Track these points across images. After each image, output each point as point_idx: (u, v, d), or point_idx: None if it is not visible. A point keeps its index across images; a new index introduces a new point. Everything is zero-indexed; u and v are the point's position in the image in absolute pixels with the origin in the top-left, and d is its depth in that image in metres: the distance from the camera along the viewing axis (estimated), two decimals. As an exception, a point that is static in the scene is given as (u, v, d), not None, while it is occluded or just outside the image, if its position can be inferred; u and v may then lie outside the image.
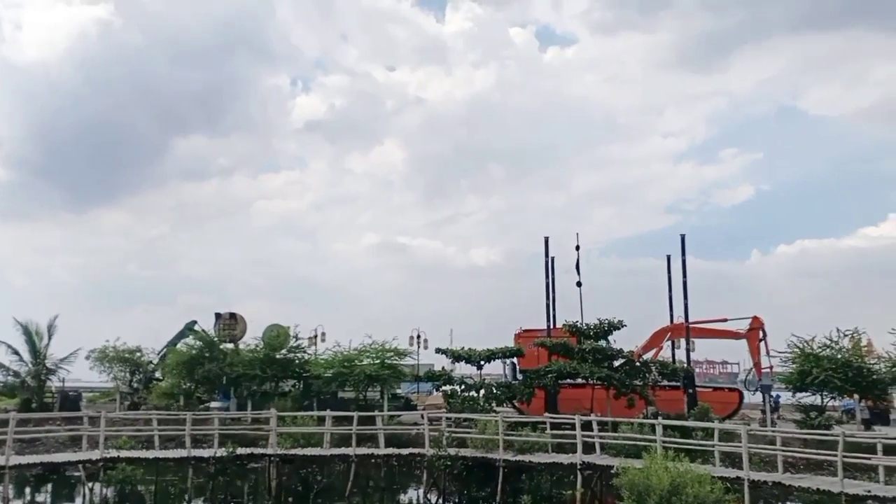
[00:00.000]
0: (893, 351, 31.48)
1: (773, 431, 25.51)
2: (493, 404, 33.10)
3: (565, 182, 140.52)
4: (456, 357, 34.79)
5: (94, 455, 24.71)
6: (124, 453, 25.33)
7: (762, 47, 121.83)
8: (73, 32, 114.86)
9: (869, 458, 20.14)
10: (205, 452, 26.17)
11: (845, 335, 33.45)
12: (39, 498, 27.55)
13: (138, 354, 44.10)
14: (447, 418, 28.91)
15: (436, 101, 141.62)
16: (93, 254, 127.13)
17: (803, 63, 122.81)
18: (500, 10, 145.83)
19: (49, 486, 28.20)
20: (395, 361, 38.38)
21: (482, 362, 34.59)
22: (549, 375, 32.59)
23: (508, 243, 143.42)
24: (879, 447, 20.49)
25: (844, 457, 19.37)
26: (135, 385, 43.85)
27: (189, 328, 44.41)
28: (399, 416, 33.94)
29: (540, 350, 35.25)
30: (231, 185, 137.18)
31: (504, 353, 35.77)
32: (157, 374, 44.97)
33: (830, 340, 33.41)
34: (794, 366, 33.97)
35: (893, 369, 31.22)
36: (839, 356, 32.52)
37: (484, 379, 34.91)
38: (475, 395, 33.49)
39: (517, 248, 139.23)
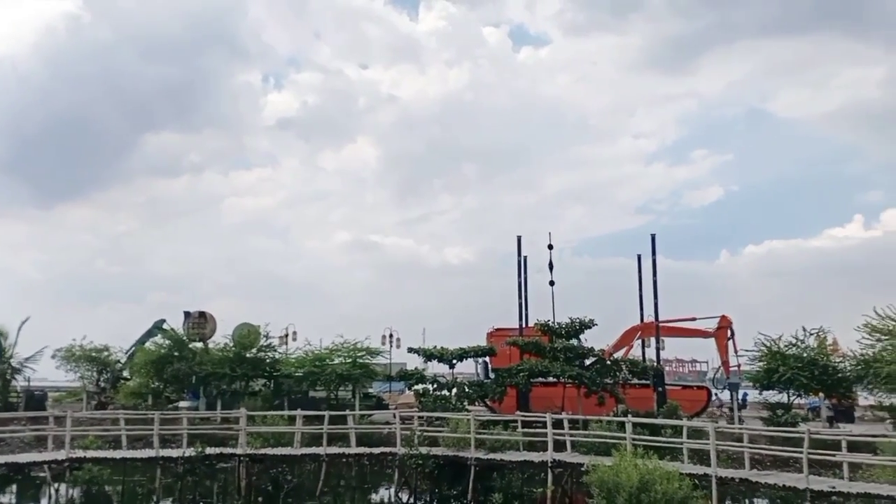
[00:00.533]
0: (858, 349, 32.07)
1: (741, 429, 25.85)
2: (466, 403, 33.17)
3: (538, 181, 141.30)
4: (428, 356, 34.82)
5: (60, 455, 24.32)
6: (91, 453, 24.98)
7: (731, 50, 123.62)
8: (41, 27, 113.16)
9: (833, 455, 20.54)
10: (173, 452, 25.86)
11: (811, 334, 34.06)
12: (4, 499, 26.97)
13: (106, 353, 43.53)
14: (419, 417, 28.90)
15: (409, 99, 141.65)
16: (60, 250, 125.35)
17: (771, 66, 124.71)
18: (473, 10, 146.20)
19: (14, 487, 27.64)
20: (367, 360, 38.33)
21: (454, 361, 34.66)
22: (521, 374, 32.71)
23: (481, 242, 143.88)
24: (844, 444, 20.91)
25: (810, 454, 19.69)
26: (102, 384, 43.25)
27: (158, 327, 43.89)
28: (371, 415, 33.89)
29: (512, 349, 35.38)
30: (202, 181, 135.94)
31: (476, 352, 35.87)
32: (125, 374, 44.43)
33: (796, 339, 33.98)
34: (761, 364, 34.50)
35: (858, 368, 31.79)
36: (805, 355, 33.07)
37: (456, 378, 34.98)
38: (447, 393, 33.55)
39: (490, 246, 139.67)
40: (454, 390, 33.67)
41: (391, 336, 44.23)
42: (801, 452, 19.86)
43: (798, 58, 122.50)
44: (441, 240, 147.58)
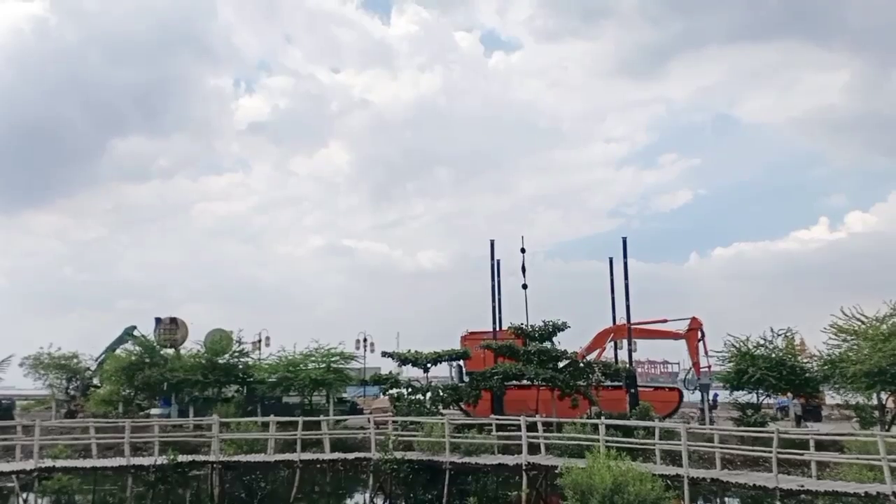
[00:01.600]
0: (825, 350, 32.61)
1: (712, 429, 26.17)
2: (440, 407, 33.20)
3: (511, 186, 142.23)
4: (402, 360, 34.82)
5: (29, 465, 23.97)
6: (60, 463, 24.65)
7: (700, 57, 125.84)
8: (6, 29, 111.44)
9: (802, 454, 20.92)
10: (145, 460, 25.58)
11: (779, 335, 34.50)
12: (-30, 511, 26.53)
13: (75, 360, 42.94)
14: (394, 422, 28.85)
15: (381, 103, 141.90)
16: (25, 257, 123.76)
17: (739, 73, 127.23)
18: (445, 15, 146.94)
19: (-20, 499, 27.18)
20: (341, 365, 38.19)
21: (429, 365, 34.65)
22: (495, 377, 32.80)
23: (455, 246, 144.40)
24: (812, 443, 21.32)
25: (779, 453, 20.05)
26: (71, 392, 42.64)
27: (128, 333, 43.39)
28: (345, 420, 33.76)
29: (486, 352, 35.47)
30: (172, 186, 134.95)
31: (450, 356, 35.90)
32: (95, 381, 43.81)
33: (765, 340, 34.41)
34: (730, 365, 34.89)
35: (825, 367, 32.30)
36: (773, 355, 33.50)
37: (430, 382, 34.99)
38: (422, 397, 33.51)
39: (463, 250, 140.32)
40: (429, 394, 33.66)
41: (365, 340, 44.21)
42: (770, 452, 20.20)
43: (764, 64, 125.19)
44: (414, 244, 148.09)
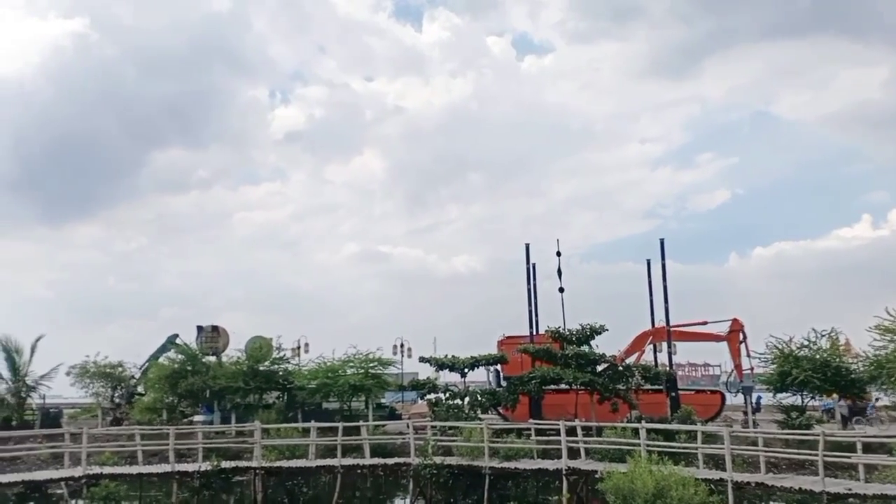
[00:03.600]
0: (870, 350, 31.92)
1: (755, 432, 25.75)
2: (478, 412, 33.17)
3: (545, 189, 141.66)
4: (440, 365, 34.88)
5: (77, 472, 24.47)
6: (107, 469, 25.09)
7: (733, 55, 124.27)
8: (48, 47, 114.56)
9: (849, 457, 20.44)
10: (189, 467, 25.98)
11: (823, 335, 33.87)
12: (21, 517, 27.16)
13: (120, 369, 43.77)
14: (432, 427, 28.92)
15: (414, 110, 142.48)
16: (69, 268, 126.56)
17: (773, 70, 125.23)
18: (476, 20, 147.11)
19: (30, 505, 27.84)
20: (379, 371, 38.38)
21: (466, 370, 34.70)
22: (533, 381, 32.71)
23: (489, 251, 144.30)
24: (859, 445, 20.81)
25: (825, 456, 19.64)
26: (117, 400, 43.46)
27: (171, 342, 44.12)
28: (384, 425, 33.92)
29: (523, 356, 35.39)
30: (211, 197, 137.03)
31: (488, 361, 35.90)
32: (140, 389, 44.59)
33: (808, 341, 33.81)
34: (773, 367, 34.33)
35: (871, 368, 31.62)
36: (818, 356, 32.89)
37: (468, 386, 35.00)
38: (460, 402, 33.54)
39: (498, 255, 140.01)
40: (467, 399, 33.68)
41: (402, 346, 44.38)
42: (816, 455, 19.82)
43: (799, 61, 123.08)
44: (449, 249, 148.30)
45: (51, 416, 39.52)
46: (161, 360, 42.56)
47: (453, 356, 34.81)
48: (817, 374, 31.86)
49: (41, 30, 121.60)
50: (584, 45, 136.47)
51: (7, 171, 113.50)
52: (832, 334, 33.91)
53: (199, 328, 43.34)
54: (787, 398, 34.17)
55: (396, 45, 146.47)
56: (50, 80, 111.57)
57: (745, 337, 38.63)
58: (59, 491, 25.77)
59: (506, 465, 24.93)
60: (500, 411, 35.89)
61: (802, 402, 33.85)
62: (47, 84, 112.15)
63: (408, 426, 28.72)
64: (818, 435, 20.55)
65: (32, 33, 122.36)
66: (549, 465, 24.72)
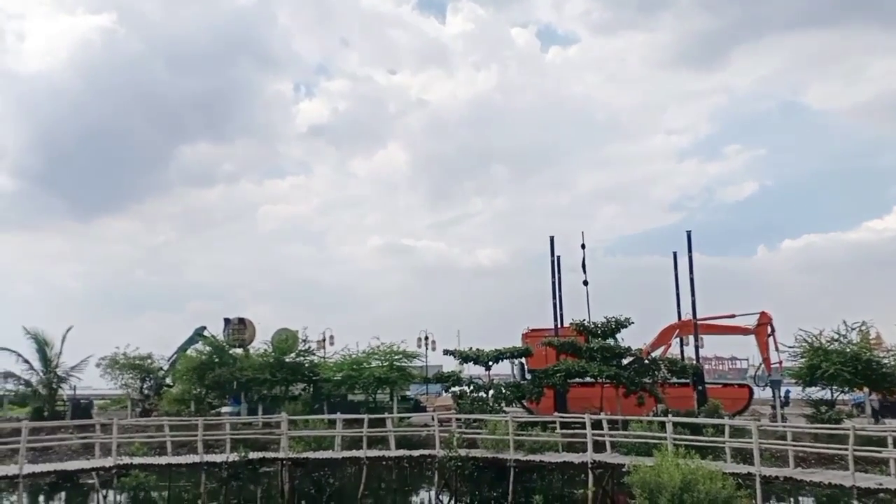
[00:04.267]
0: (903, 343, 31.46)
1: (784, 426, 25.46)
2: (503, 404, 33.15)
3: (569, 181, 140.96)
4: (464, 358, 34.87)
5: (108, 462, 24.82)
6: (137, 460, 25.42)
7: (760, 44, 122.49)
8: (76, 42, 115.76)
9: (880, 452, 20.14)
10: (217, 458, 26.24)
11: (853, 328, 33.42)
12: (53, 506, 27.71)
13: (149, 361, 44.33)
14: (457, 419, 28.96)
15: (438, 103, 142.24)
16: (99, 261, 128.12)
17: (801, 59, 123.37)
18: (501, 11, 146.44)
19: (63, 494, 28.33)
20: (403, 363, 38.50)
21: (490, 363, 34.65)
22: (558, 375, 32.60)
23: (513, 243, 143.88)
24: (890, 440, 20.48)
25: (855, 450, 19.35)
26: (146, 391, 44.05)
27: (198, 334, 44.61)
28: (409, 417, 34.02)
29: (548, 349, 35.30)
30: (237, 190, 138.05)
31: (512, 353, 35.82)
32: (168, 380, 45.16)
33: (838, 334, 33.38)
34: (802, 360, 33.94)
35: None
36: (848, 350, 32.46)
37: (493, 379, 34.99)
38: (484, 395, 33.55)
39: (522, 247, 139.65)
40: (491, 392, 33.69)
41: (426, 338, 44.48)
42: (846, 449, 19.54)
43: (827, 50, 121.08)
44: (473, 242, 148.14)
45: (81, 408, 40.11)
46: (189, 351, 43.08)
47: (477, 349, 34.80)
48: (847, 367, 31.44)
49: (70, 25, 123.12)
50: (609, 36, 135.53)
51: (38, 166, 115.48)
52: (863, 327, 33.46)
53: (227, 320, 43.78)
54: (817, 392, 33.77)
55: (420, 37, 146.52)
56: (78, 74, 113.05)
57: (773, 330, 38.24)
58: (90, 481, 26.24)
59: (531, 457, 24.88)
60: (525, 404, 35.85)
61: (832, 396, 33.43)
62: (76, 79, 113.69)
63: (432, 418, 28.76)
64: (848, 429, 20.25)
65: (61, 28, 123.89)
66: (574, 458, 24.62)
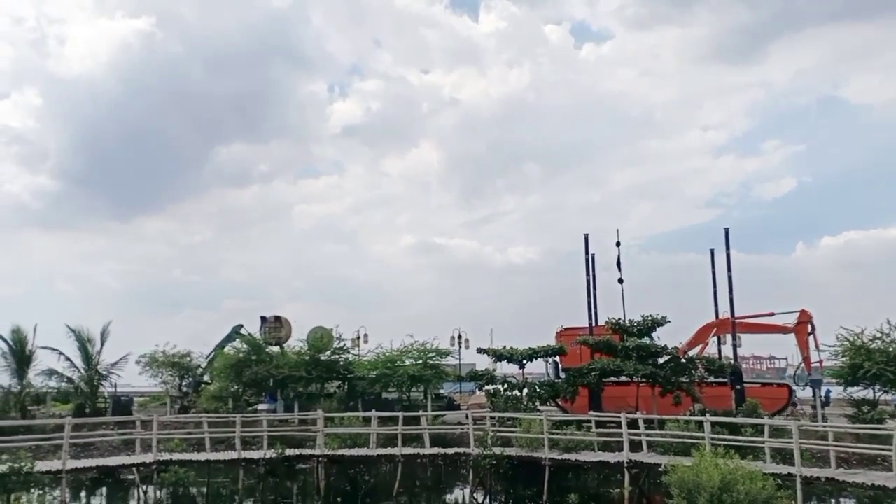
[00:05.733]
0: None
1: (825, 426, 25.01)
2: (537, 403, 33.04)
3: (603, 179, 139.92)
4: (498, 356, 34.80)
5: (148, 458, 25.26)
6: (177, 456, 25.82)
7: (798, 38, 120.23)
8: (116, 45, 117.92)
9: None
10: (255, 454, 26.59)
11: (896, 327, 32.65)
12: (95, 501, 28.24)
13: (187, 359, 44.92)
14: (491, 418, 28.94)
15: (470, 101, 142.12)
16: (137, 260, 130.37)
17: (841, 53, 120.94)
18: (534, 9, 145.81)
19: (104, 490, 28.88)
20: (437, 361, 38.56)
21: (524, 361, 34.54)
22: (593, 373, 32.37)
23: (546, 241, 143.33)
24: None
25: (899, 451, 18.96)
26: (184, 389, 44.64)
27: (236, 332, 45.08)
28: (443, 415, 34.07)
29: (582, 348, 35.07)
30: (271, 190, 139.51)
31: (546, 352, 35.63)
32: (206, 378, 45.71)
33: (881, 333, 32.65)
34: (844, 360, 33.29)
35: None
36: (891, 349, 31.77)
37: (526, 378, 34.86)
38: (518, 394, 33.44)
39: (555, 246, 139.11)
40: (525, 390, 33.57)
41: (460, 337, 44.46)
42: (889, 450, 19.14)
43: (867, 43, 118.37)
44: (505, 240, 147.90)
45: (122, 404, 40.77)
46: (226, 349, 43.52)
47: (511, 347, 34.68)
48: (891, 367, 30.77)
49: (109, 29, 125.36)
50: (643, 32, 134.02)
51: (79, 167, 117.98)
52: (907, 326, 32.66)
53: (263, 318, 44.15)
54: (858, 392, 33.09)
55: (452, 36, 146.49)
56: (118, 78, 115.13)
57: (813, 329, 37.49)
58: (130, 476, 26.69)
59: (566, 456, 24.80)
60: (559, 403, 35.68)
61: (874, 396, 32.74)
62: (116, 82, 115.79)
63: (466, 417, 28.79)
64: (891, 429, 19.83)
65: (101, 32, 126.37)
66: (610, 457, 24.48)
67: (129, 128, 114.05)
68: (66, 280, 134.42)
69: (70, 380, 41.38)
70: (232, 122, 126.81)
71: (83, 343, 41.33)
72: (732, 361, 36.44)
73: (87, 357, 41.40)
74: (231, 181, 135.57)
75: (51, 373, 40.96)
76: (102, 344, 41.80)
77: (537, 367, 39.40)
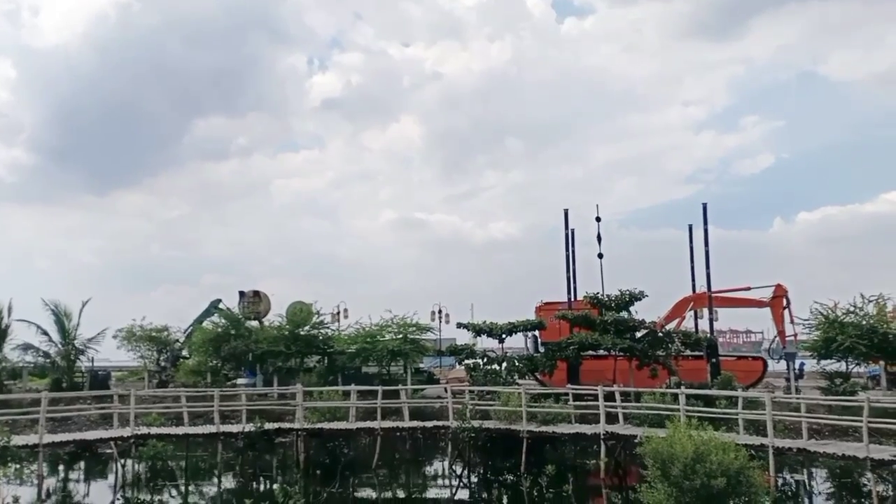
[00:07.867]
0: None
1: (798, 398, 25.40)
2: (516, 377, 33.29)
3: (584, 154, 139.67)
4: (477, 331, 34.97)
5: (126, 432, 25.19)
6: (155, 430, 25.77)
7: (779, 13, 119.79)
8: (91, 16, 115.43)
9: (895, 423, 20.07)
10: (233, 428, 26.61)
11: (869, 301, 33.16)
12: (73, 475, 28.12)
13: (165, 333, 44.74)
14: (470, 391, 29.12)
15: (452, 76, 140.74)
16: (115, 236, 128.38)
17: (821, 28, 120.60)
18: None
19: (82, 464, 28.76)
20: (416, 336, 38.69)
21: (504, 336, 34.75)
22: (571, 347, 32.65)
23: (527, 217, 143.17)
24: (905, 412, 20.42)
25: (870, 422, 19.30)
26: (162, 363, 44.51)
27: (214, 306, 44.94)
28: (422, 389, 34.24)
29: (561, 322, 35.30)
30: (250, 164, 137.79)
31: (525, 326, 35.88)
32: (184, 352, 45.59)
33: (854, 307, 33.14)
34: (818, 333, 33.78)
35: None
36: (864, 322, 32.26)
37: (506, 352, 35.07)
38: (497, 368, 33.67)
39: (536, 221, 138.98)
40: (504, 364, 33.80)
41: (440, 312, 44.52)
42: (860, 421, 19.49)
43: (847, 19, 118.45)
44: (486, 215, 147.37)
45: (99, 379, 40.59)
46: (205, 324, 43.39)
47: (491, 322, 34.87)
48: (863, 340, 31.27)
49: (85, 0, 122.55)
50: (626, 6, 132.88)
51: (54, 140, 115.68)
52: (880, 300, 33.19)
53: (241, 293, 44.03)
54: (832, 365, 33.64)
55: (434, 9, 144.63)
56: (94, 49, 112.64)
57: (788, 303, 37.98)
58: (108, 450, 26.61)
59: (543, 429, 25.03)
60: (538, 377, 35.96)
61: (847, 368, 33.28)
62: (92, 53, 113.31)
63: (445, 390, 28.94)
64: (863, 401, 20.17)
65: (77, 3, 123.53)
66: (587, 429, 24.78)
67: (105, 100, 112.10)
68: (44, 255, 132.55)
69: (46, 354, 41.06)
70: (210, 95, 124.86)
71: (60, 317, 40.99)
72: (709, 335, 36.86)
73: (64, 331, 41.07)
74: (209, 155, 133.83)
75: (27, 347, 40.62)
76: (80, 318, 41.53)
77: (517, 342, 39.70)
